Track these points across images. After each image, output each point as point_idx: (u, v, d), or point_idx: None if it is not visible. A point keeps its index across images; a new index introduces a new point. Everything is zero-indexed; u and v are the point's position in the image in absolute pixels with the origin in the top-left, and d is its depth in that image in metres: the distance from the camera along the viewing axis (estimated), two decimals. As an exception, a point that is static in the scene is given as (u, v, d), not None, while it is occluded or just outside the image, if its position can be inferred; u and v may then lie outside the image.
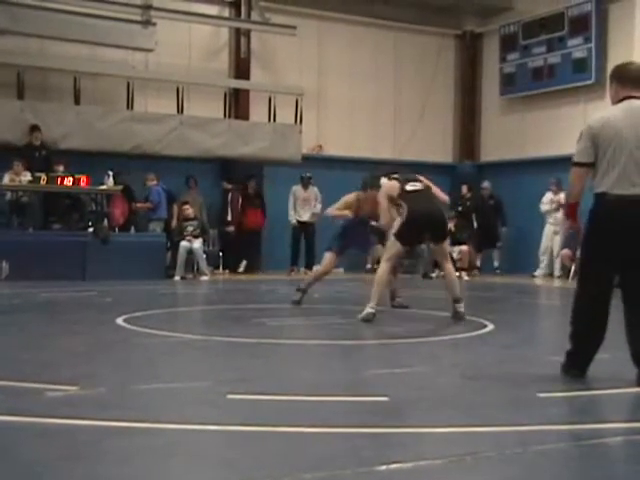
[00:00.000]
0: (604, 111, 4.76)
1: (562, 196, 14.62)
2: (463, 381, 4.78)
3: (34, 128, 13.24)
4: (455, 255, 15.08)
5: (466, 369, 5.14)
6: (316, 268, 15.03)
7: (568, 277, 13.82)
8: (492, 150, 17.69)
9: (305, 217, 15.02)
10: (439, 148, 17.76)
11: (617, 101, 4.66)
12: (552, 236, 14.92)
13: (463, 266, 15.08)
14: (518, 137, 16.75)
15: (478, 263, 16.13)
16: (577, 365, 4.76)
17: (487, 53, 17.78)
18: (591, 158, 4.54)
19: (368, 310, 7.34)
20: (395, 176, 7.86)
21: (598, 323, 4.66)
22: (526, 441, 3.41)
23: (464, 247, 15.19)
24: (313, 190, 15.15)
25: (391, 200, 7.62)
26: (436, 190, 7.88)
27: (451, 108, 18.07)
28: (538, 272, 15.04)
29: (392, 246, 7.56)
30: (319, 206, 14.94)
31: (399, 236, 7.45)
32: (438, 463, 3.06)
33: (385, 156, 16.92)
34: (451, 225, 15.20)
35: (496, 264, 15.92)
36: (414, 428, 3.63)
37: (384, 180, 7.96)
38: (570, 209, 4.91)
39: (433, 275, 14.95)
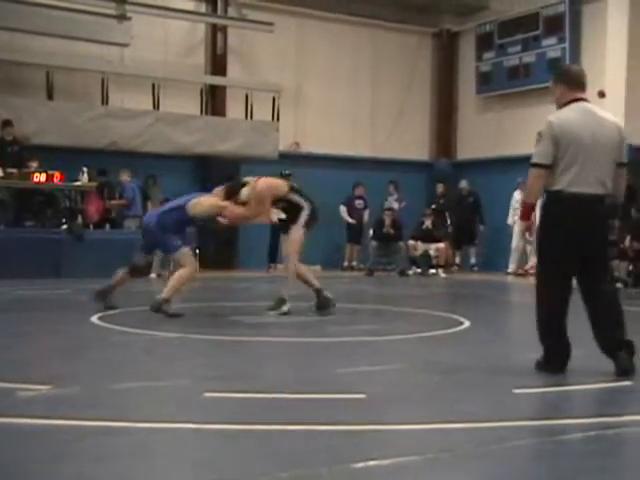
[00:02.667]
0: (560, 112, 4.81)
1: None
2: (439, 378, 4.79)
3: (6, 123, 13.06)
4: (432, 252, 15.16)
5: (442, 366, 5.15)
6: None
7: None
8: (468, 148, 17.77)
9: (283, 215, 14.91)
10: (416, 146, 17.80)
11: (565, 103, 4.81)
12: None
13: (440, 263, 15.14)
14: (494, 135, 16.85)
15: (457, 260, 16.22)
16: (554, 361, 4.81)
17: (464, 52, 17.85)
18: (550, 160, 4.67)
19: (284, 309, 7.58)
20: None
21: (561, 318, 4.78)
22: (502, 437, 3.43)
23: (441, 244, 15.25)
24: None
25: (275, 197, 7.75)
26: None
27: (428, 106, 18.12)
28: (511, 269, 15.13)
29: (301, 238, 7.76)
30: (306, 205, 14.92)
31: (306, 228, 7.76)
32: (415, 460, 3.07)
33: (363, 153, 16.96)
34: (428, 223, 15.32)
35: (473, 261, 16.01)
36: (391, 425, 3.64)
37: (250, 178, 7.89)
38: (528, 210, 4.98)
39: (410, 272, 15.01)
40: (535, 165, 4.73)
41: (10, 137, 13.09)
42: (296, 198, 7.78)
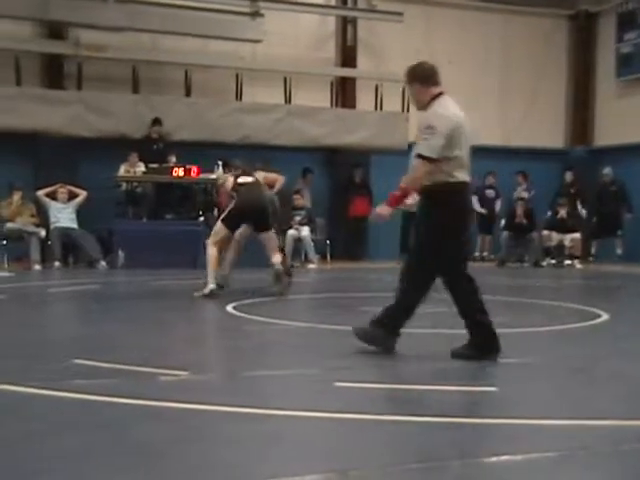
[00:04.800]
0: (449, 106, 4.91)
1: None
2: (575, 373, 4.64)
3: (155, 121, 13.61)
4: (567, 243, 14.66)
5: (578, 360, 4.99)
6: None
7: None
8: (608, 134, 17.02)
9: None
10: (549, 133, 17.24)
11: (429, 100, 4.93)
12: None
13: (575, 253, 14.62)
14: (636, 120, 16.04)
15: (593, 251, 15.59)
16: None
17: (602, 33, 17.10)
18: (441, 154, 4.76)
19: (210, 287, 8.20)
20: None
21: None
22: (643, 437, 3.28)
23: (576, 235, 14.72)
24: None
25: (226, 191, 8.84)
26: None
27: (563, 91, 17.50)
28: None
29: (220, 230, 8.43)
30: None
31: (225, 222, 8.40)
32: (549, 456, 2.98)
33: (493, 142, 16.57)
34: (563, 212, 14.82)
35: (619, 252, 15.23)
36: (524, 420, 3.54)
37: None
38: (404, 196, 5.04)
39: (544, 263, 14.59)
40: (427, 158, 4.77)
41: (156, 135, 13.64)
42: (234, 195, 8.58)
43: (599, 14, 17.21)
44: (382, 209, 5.04)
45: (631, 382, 4.44)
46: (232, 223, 8.42)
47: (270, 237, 8.73)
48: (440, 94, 4.96)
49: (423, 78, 4.99)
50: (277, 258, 8.56)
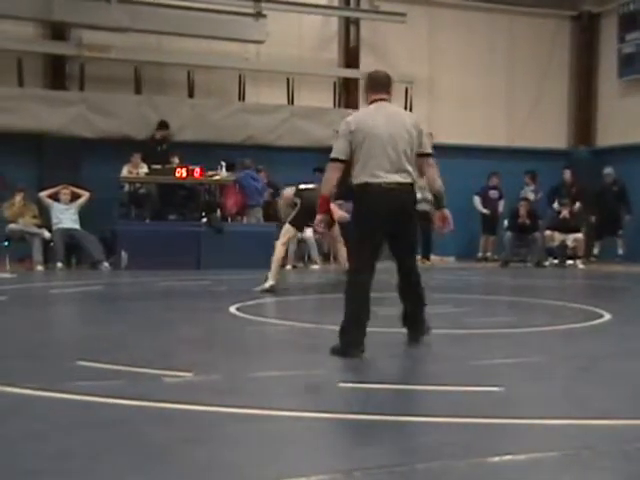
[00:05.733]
0: (356, 112, 5.42)
1: None
2: (579, 372, 4.64)
3: (162, 125, 13.53)
4: (570, 243, 14.65)
5: (581, 360, 4.99)
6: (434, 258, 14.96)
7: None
8: (610, 135, 17.03)
9: (420, 207, 14.77)
10: (552, 134, 17.25)
11: (369, 103, 5.25)
12: None
13: (577, 254, 14.61)
14: (638, 120, 16.04)
15: (596, 251, 15.59)
16: (356, 344, 4.90)
17: (605, 34, 17.11)
18: (347, 156, 5.06)
19: (270, 282, 8.89)
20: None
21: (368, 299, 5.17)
22: (647, 437, 3.28)
23: (579, 235, 14.72)
24: None
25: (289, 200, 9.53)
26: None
27: (566, 92, 17.51)
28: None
29: (289, 231, 9.20)
30: (428, 196, 14.70)
31: (294, 222, 9.14)
32: (553, 456, 2.98)
33: (498, 143, 16.61)
34: (565, 212, 14.81)
35: (620, 252, 15.22)
36: (528, 420, 3.54)
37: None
38: (327, 202, 5.31)
39: (546, 264, 14.59)
40: (333, 160, 5.10)
41: (160, 136, 13.61)
42: (296, 201, 9.27)
43: (602, 15, 17.22)
44: (317, 219, 5.43)
45: (635, 382, 4.44)
46: (300, 223, 9.22)
47: (336, 230, 9.38)
48: (374, 101, 5.20)
49: (367, 85, 5.36)
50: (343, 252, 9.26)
